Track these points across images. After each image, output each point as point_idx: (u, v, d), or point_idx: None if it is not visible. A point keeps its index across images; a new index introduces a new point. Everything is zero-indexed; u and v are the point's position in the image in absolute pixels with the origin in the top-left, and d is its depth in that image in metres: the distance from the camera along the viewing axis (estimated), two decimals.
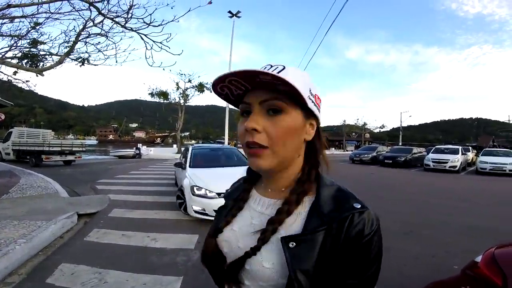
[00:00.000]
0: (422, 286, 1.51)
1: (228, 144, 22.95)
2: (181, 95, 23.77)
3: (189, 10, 4.23)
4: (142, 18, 4.35)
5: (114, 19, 4.43)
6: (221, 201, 0.69)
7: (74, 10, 4.36)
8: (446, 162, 13.62)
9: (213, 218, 0.70)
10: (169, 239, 3.58)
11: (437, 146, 16.78)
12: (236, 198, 0.62)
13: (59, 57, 4.80)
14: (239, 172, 0.74)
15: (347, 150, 40.85)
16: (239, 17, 19.86)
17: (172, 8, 4.48)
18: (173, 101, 24.47)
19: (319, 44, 12.02)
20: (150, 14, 4.31)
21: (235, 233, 0.55)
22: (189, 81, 23.08)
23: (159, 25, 4.42)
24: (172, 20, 4.47)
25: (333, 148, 46.75)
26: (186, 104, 24.26)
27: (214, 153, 6.37)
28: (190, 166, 5.21)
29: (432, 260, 3.10)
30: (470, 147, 19.64)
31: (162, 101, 24.63)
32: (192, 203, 4.25)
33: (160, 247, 3.33)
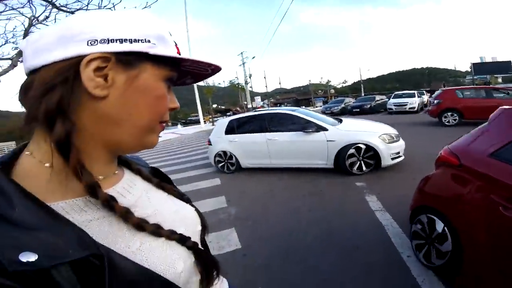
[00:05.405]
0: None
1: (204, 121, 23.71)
2: None
3: None
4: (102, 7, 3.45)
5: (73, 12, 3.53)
6: None
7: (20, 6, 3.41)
8: (406, 105, 15.15)
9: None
10: (204, 204, 3.90)
11: (396, 93, 18.24)
12: None
13: (11, 60, 3.93)
14: None
15: (316, 107, 42.44)
16: None
17: None
18: None
19: (284, 15, 11.21)
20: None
21: None
22: None
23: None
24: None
25: (303, 106, 48.19)
26: None
27: None
28: None
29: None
30: (424, 91, 21.86)
31: None
32: None
33: (203, 211, 3.67)
